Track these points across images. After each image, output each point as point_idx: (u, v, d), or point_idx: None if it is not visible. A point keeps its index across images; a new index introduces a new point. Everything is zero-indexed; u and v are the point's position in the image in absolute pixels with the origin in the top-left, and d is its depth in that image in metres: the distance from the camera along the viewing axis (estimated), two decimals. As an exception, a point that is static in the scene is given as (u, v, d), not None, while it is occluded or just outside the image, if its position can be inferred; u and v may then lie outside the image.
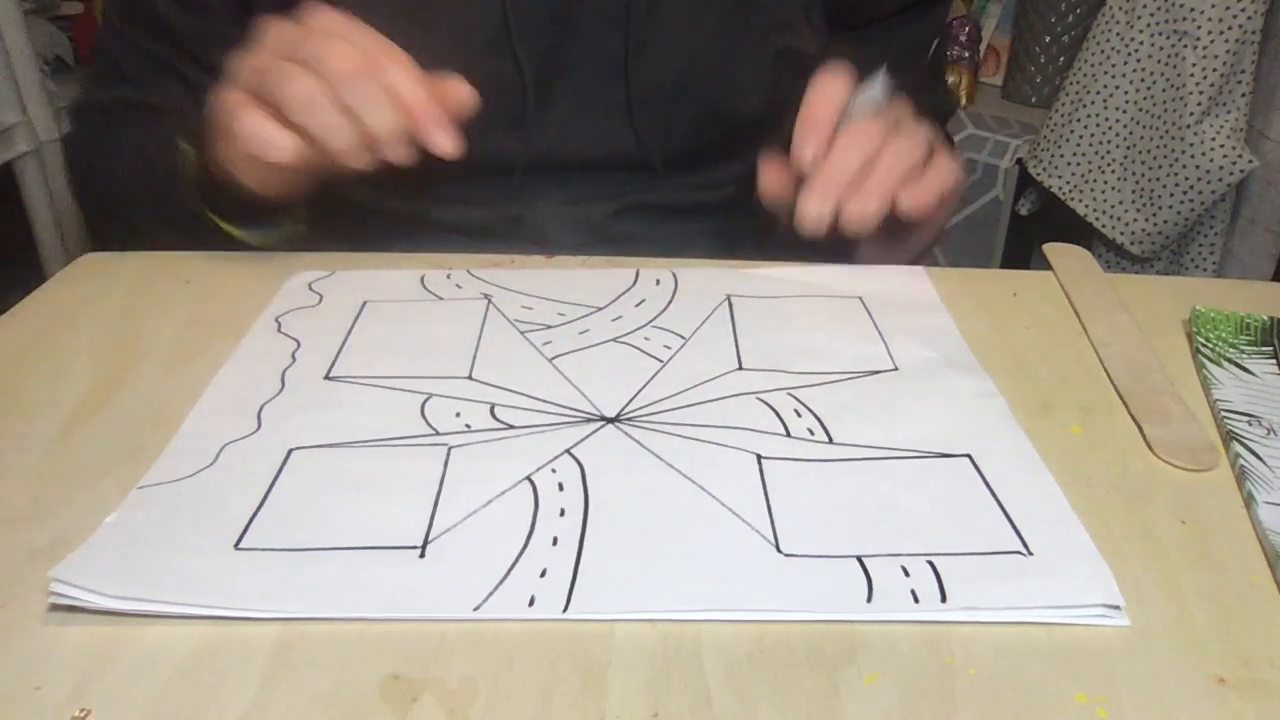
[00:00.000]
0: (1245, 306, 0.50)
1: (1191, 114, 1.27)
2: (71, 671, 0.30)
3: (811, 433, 0.41)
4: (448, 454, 0.39)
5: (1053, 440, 0.41)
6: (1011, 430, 0.41)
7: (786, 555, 0.34)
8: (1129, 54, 1.33)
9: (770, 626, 0.31)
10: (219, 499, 0.36)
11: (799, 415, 0.42)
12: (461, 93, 0.50)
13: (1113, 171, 1.39)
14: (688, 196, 0.69)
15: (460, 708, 0.28)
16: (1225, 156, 1.26)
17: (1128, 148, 1.37)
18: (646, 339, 0.48)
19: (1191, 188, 1.30)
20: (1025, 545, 0.34)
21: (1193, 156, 1.28)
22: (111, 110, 0.68)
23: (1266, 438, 0.41)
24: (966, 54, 1.60)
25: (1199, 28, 1.25)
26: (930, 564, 0.33)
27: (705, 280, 0.54)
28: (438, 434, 0.41)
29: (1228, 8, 1.22)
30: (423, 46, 0.66)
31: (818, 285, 0.53)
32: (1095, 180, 1.40)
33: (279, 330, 0.49)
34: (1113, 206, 1.38)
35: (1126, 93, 1.35)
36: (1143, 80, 1.32)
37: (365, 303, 0.52)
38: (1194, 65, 1.26)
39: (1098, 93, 1.36)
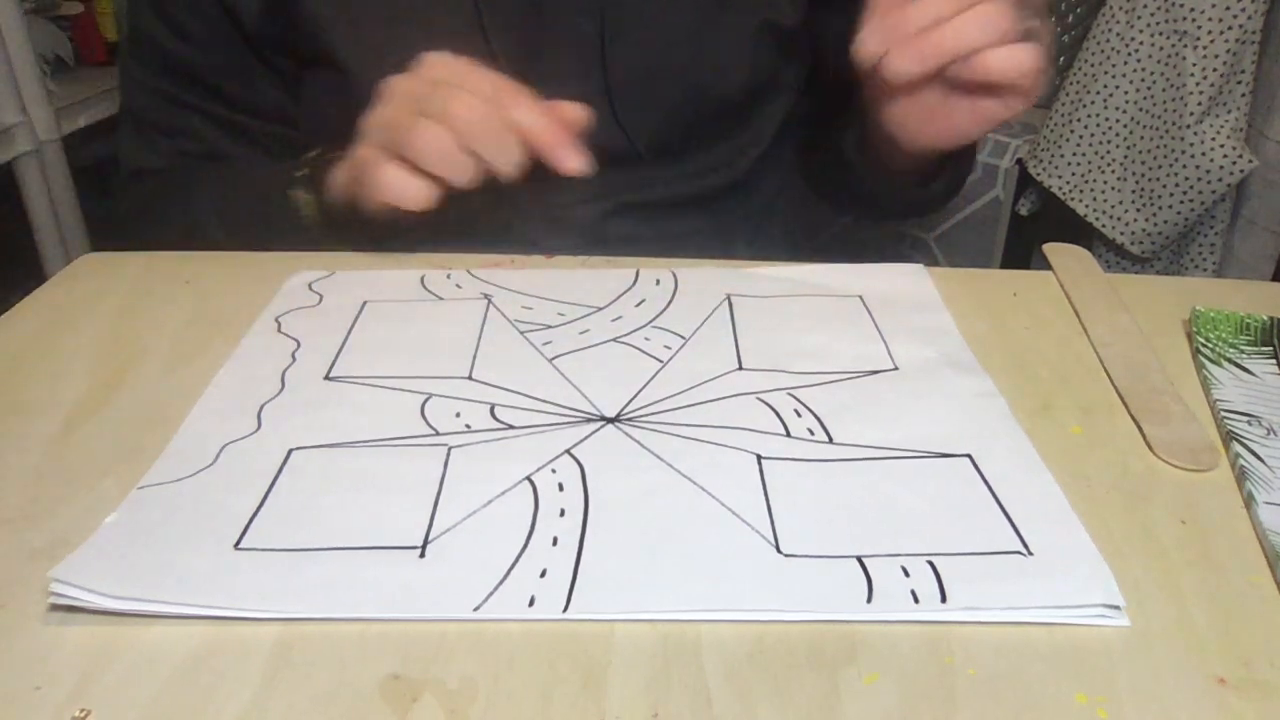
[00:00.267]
0: (1245, 306, 0.50)
1: (1191, 114, 1.27)
2: (71, 671, 0.30)
3: (811, 433, 0.41)
4: (448, 454, 0.39)
5: (1053, 440, 0.41)
6: (1011, 430, 0.41)
7: (786, 555, 0.34)
8: (1129, 54, 1.33)
9: (770, 626, 0.31)
10: (219, 499, 0.36)
11: (799, 415, 0.42)
12: (577, 113, 0.52)
13: (1113, 171, 1.38)
14: (676, 189, 0.69)
15: (460, 708, 0.28)
16: (1225, 156, 1.26)
17: (1128, 148, 1.37)
18: (646, 339, 0.48)
19: (1191, 188, 1.30)
20: (1025, 545, 0.34)
21: (1193, 156, 1.28)
22: (164, 174, 0.69)
23: (1266, 438, 0.41)
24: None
25: (1199, 28, 1.25)
26: (930, 564, 0.33)
27: (705, 280, 0.54)
28: (438, 434, 0.41)
29: (1228, 8, 1.22)
30: (396, 41, 0.66)
31: (818, 285, 0.53)
32: (1095, 180, 1.40)
33: (279, 330, 0.49)
34: (1113, 206, 1.38)
35: (1126, 93, 1.35)
36: (1143, 80, 1.32)
37: (365, 303, 0.52)
38: (1194, 65, 1.26)
39: (1098, 93, 1.36)
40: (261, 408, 0.42)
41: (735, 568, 0.33)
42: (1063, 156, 1.41)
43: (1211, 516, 0.37)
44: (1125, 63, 1.33)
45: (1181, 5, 1.25)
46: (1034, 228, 1.54)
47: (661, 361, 0.46)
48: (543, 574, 0.33)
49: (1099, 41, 1.35)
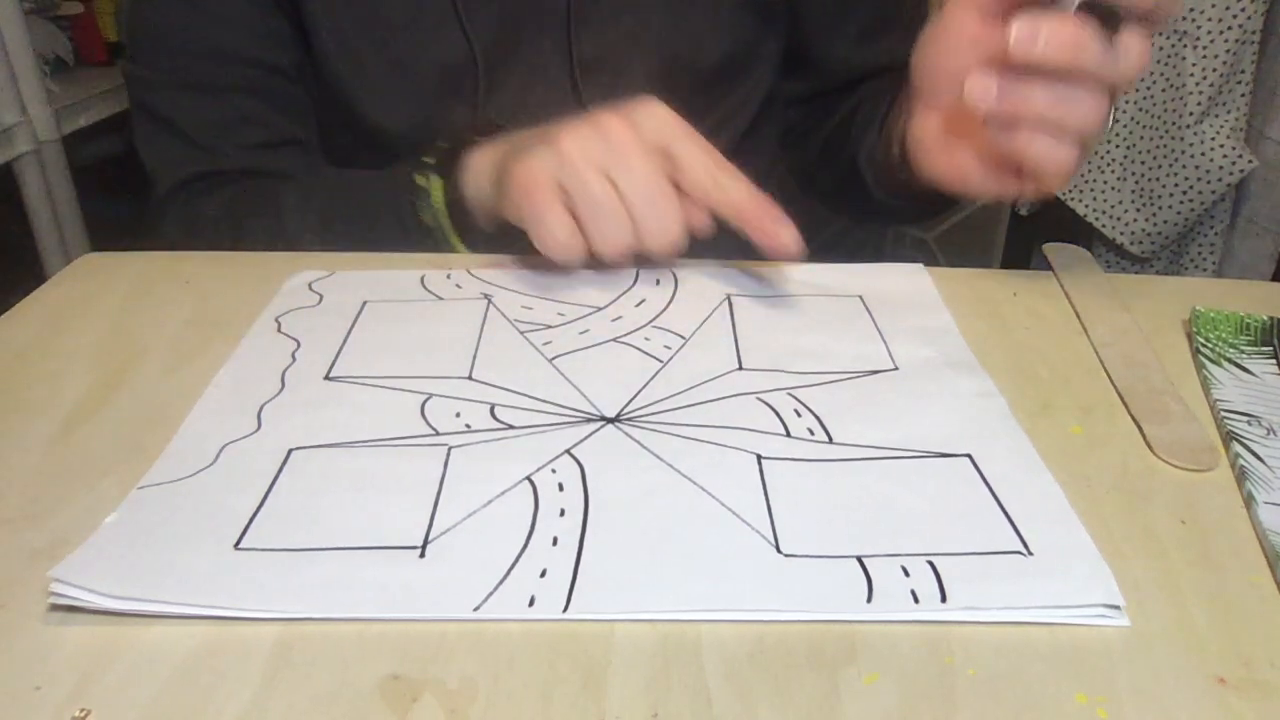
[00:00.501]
0: (1245, 306, 0.50)
1: (1191, 114, 1.27)
2: (71, 671, 0.30)
3: (811, 433, 0.41)
4: (448, 454, 0.39)
5: (1053, 440, 0.41)
6: (1011, 430, 0.41)
7: (786, 555, 0.34)
8: (1129, 54, 1.33)
9: (770, 626, 0.31)
10: (219, 499, 0.36)
11: (799, 415, 0.42)
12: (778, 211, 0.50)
13: (1113, 171, 1.39)
14: None
15: (460, 708, 0.28)
16: (1225, 156, 1.26)
17: (1128, 148, 1.37)
18: (647, 339, 0.48)
19: (1191, 188, 1.30)
20: (1025, 545, 0.34)
21: (1192, 156, 1.28)
22: (235, 183, 0.68)
23: (1266, 438, 0.41)
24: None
25: (1199, 27, 1.25)
26: (930, 564, 0.33)
27: (705, 280, 0.54)
28: (438, 434, 0.41)
29: (1228, 8, 1.23)
30: (375, 27, 0.66)
31: (818, 285, 0.53)
32: (1095, 180, 1.40)
33: (279, 330, 0.49)
34: (1113, 206, 1.38)
35: (1126, 92, 1.35)
36: (1143, 80, 1.32)
37: (365, 303, 0.52)
38: (1194, 65, 1.26)
39: (1098, 93, 1.36)
40: (261, 408, 0.42)
41: (735, 567, 0.33)
42: (1063, 156, 1.41)
43: (1211, 516, 0.37)
44: (1125, 63, 1.33)
45: (1181, 5, 1.25)
46: (1034, 228, 1.54)
47: (661, 361, 0.46)
48: (543, 574, 0.33)
49: (1099, 41, 1.35)
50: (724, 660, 0.30)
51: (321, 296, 0.52)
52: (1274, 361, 0.47)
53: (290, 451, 0.39)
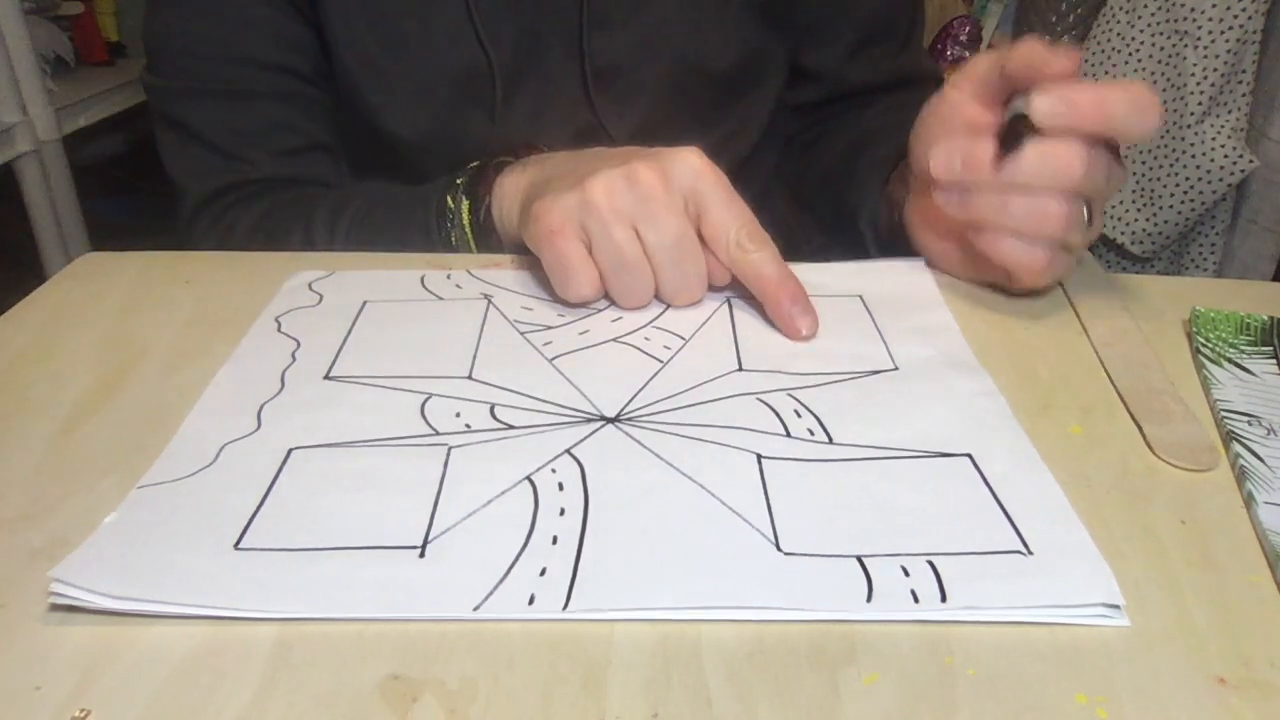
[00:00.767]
0: (1245, 306, 0.50)
1: (1192, 114, 1.27)
2: (71, 671, 0.30)
3: (811, 433, 0.41)
4: (448, 454, 0.39)
5: (1053, 440, 0.41)
6: (1011, 430, 0.41)
7: (786, 554, 0.34)
8: (1129, 54, 1.33)
9: (770, 626, 0.31)
10: (219, 499, 0.36)
11: (799, 416, 0.42)
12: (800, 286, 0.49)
13: (1113, 171, 1.38)
14: None
15: (460, 708, 0.28)
16: (1226, 156, 1.26)
17: (1128, 148, 1.37)
18: (647, 339, 0.48)
19: (1192, 188, 1.30)
20: (1025, 545, 0.34)
21: (1193, 156, 1.28)
22: (243, 188, 0.68)
23: (1266, 438, 0.41)
24: (967, 53, 1.60)
25: (1199, 28, 1.25)
26: (930, 564, 0.33)
27: (705, 280, 0.54)
28: (438, 434, 0.41)
29: (1228, 8, 1.22)
30: (392, 36, 0.67)
31: (818, 285, 0.53)
32: (1095, 180, 1.40)
33: (279, 330, 0.49)
34: (1113, 206, 1.38)
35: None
36: (1143, 80, 1.32)
37: (365, 303, 0.52)
38: (1194, 65, 1.26)
39: (1098, 93, 1.36)
40: (261, 407, 0.42)
41: (735, 566, 0.33)
42: (1063, 156, 1.41)
43: (1211, 516, 0.37)
44: (1126, 63, 1.33)
45: (1181, 5, 1.25)
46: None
47: (661, 362, 0.46)
48: (542, 572, 0.33)
49: (1099, 41, 1.35)
50: (724, 660, 0.30)
51: (321, 296, 0.52)
52: (1274, 361, 0.47)
53: (290, 451, 0.39)
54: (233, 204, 0.68)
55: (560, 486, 0.37)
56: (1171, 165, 1.30)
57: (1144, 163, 1.35)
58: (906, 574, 0.33)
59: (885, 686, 0.29)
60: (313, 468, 0.38)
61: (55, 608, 0.32)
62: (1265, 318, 0.49)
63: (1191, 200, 1.30)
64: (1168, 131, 1.30)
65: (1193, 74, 1.26)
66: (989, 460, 0.39)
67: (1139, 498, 0.38)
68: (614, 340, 0.48)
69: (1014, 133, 0.46)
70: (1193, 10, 1.25)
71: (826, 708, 0.28)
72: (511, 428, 0.41)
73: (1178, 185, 1.30)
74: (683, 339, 0.48)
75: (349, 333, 0.49)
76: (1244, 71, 1.25)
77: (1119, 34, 1.33)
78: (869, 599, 0.32)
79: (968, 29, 1.60)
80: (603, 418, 0.42)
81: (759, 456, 0.39)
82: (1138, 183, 1.36)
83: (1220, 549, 0.35)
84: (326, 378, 0.45)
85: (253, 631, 0.31)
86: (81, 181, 1.65)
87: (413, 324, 0.50)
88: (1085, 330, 0.50)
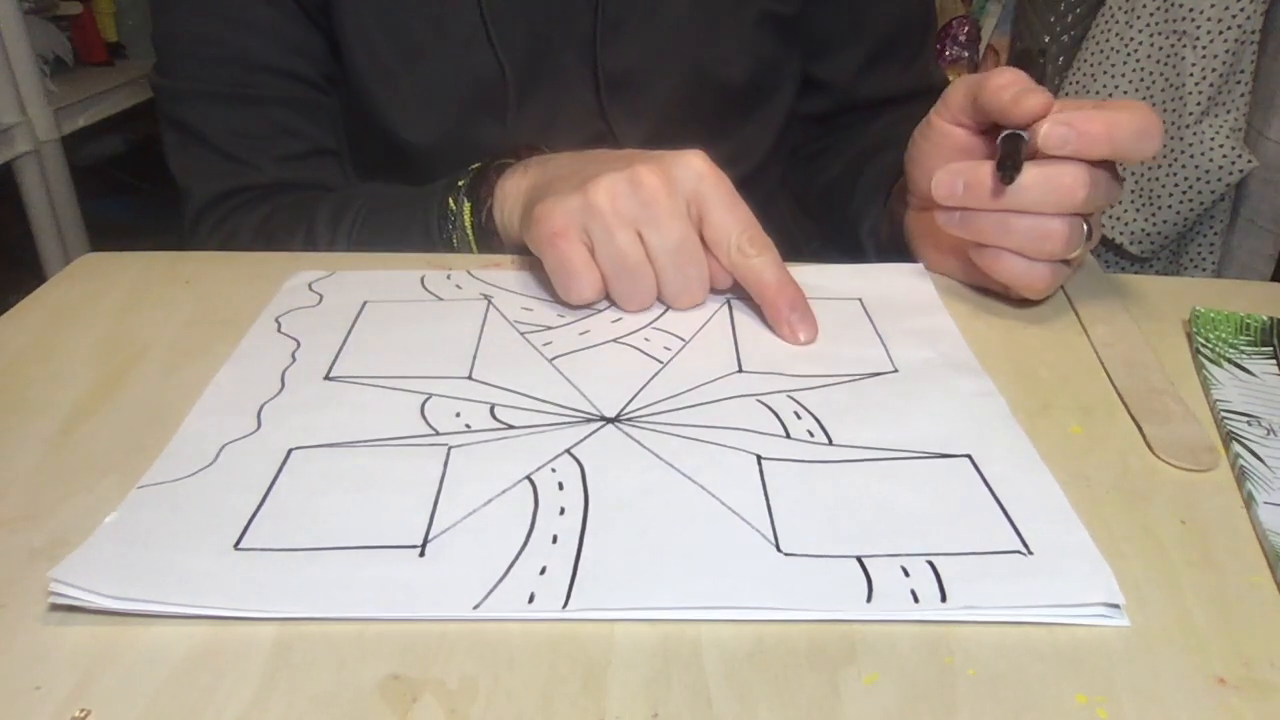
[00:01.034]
0: (1245, 306, 0.50)
1: (1191, 114, 1.27)
2: (71, 671, 0.30)
3: (811, 434, 0.41)
4: (447, 454, 0.39)
5: (1053, 440, 0.41)
6: (1011, 430, 0.41)
7: (787, 554, 0.34)
8: (1129, 54, 1.33)
9: (770, 626, 0.31)
10: (219, 499, 0.36)
11: (799, 417, 0.42)
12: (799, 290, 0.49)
13: (1112, 171, 1.38)
14: None
15: (460, 708, 0.28)
16: (1225, 156, 1.26)
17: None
18: (646, 340, 0.48)
19: (1191, 187, 1.30)
20: (1025, 545, 0.34)
21: (1192, 156, 1.28)
22: (271, 202, 0.68)
23: (1266, 438, 0.41)
24: (966, 53, 1.60)
25: (1198, 27, 1.25)
26: (930, 564, 0.33)
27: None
28: (437, 434, 0.41)
29: (1227, 8, 1.23)
30: (406, 43, 0.67)
31: (817, 287, 0.53)
32: (1095, 180, 1.40)
33: (279, 330, 0.49)
34: (1113, 206, 1.38)
35: (1126, 92, 1.35)
36: (1142, 80, 1.32)
37: (365, 303, 0.52)
38: (1193, 65, 1.26)
39: (1097, 93, 1.36)
40: (261, 407, 0.42)
41: (735, 566, 0.33)
42: (1062, 156, 1.41)
43: (1211, 516, 0.37)
44: (1125, 63, 1.33)
45: (1181, 5, 1.25)
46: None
47: (661, 362, 0.46)
48: (542, 571, 0.33)
49: (1099, 41, 1.35)
50: (724, 660, 0.30)
51: (321, 296, 0.52)
52: (1274, 361, 0.47)
53: (290, 451, 0.39)
54: (236, 208, 0.68)
55: (560, 486, 0.37)
56: (1170, 165, 1.30)
57: (1143, 162, 1.35)
58: (906, 574, 0.33)
59: (885, 686, 0.29)
60: (313, 468, 0.38)
61: (55, 608, 0.32)
62: (1265, 318, 0.50)
63: (1190, 200, 1.30)
64: (1166, 131, 1.30)
65: (1191, 74, 1.26)
66: (989, 460, 0.39)
67: (1139, 498, 0.38)
68: (614, 341, 0.48)
69: (1010, 150, 0.46)
70: (1191, 10, 1.25)
71: (826, 708, 0.28)
72: (511, 428, 0.41)
73: (1176, 185, 1.30)
74: (683, 340, 0.48)
75: (349, 333, 0.49)
76: (1242, 71, 1.26)
77: (1118, 34, 1.33)
78: (869, 599, 0.32)
79: (966, 29, 1.60)
80: (603, 418, 0.42)
81: (759, 457, 0.39)
82: (1137, 183, 1.36)
83: (1220, 549, 0.35)
84: (326, 378, 0.45)
85: (253, 631, 0.31)
86: (81, 181, 1.65)
87: (413, 324, 0.50)
88: (1085, 330, 0.50)
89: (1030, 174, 0.46)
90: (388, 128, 0.68)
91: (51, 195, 1.58)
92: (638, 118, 0.70)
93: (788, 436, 0.40)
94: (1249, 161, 1.27)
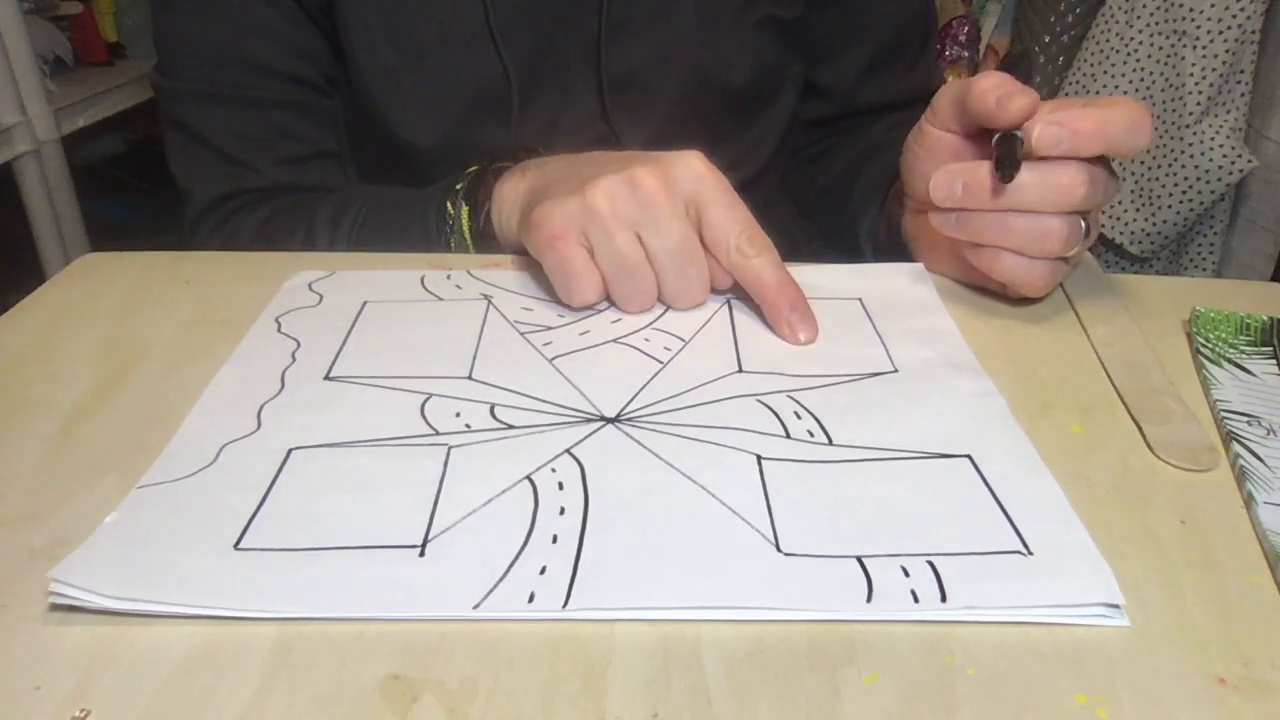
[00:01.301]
0: (1245, 306, 0.50)
1: (1191, 114, 1.27)
2: (71, 671, 0.30)
3: (811, 434, 0.41)
4: (447, 454, 0.39)
5: (1053, 440, 0.41)
6: (1011, 430, 0.41)
7: (787, 554, 0.34)
8: (1129, 54, 1.33)
9: (770, 626, 0.31)
10: (219, 499, 0.36)
11: (799, 417, 0.42)
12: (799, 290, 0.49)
13: (1112, 171, 1.39)
14: None
15: (460, 708, 0.28)
16: (1225, 156, 1.26)
17: (1126, 148, 1.37)
18: (647, 340, 0.48)
19: (1191, 187, 1.30)
20: (1025, 545, 0.34)
21: (1192, 156, 1.28)
22: (251, 193, 0.68)
23: (1266, 438, 0.41)
24: (966, 53, 1.60)
25: (1198, 27, 1.25)
26: (930, 564, 0.33)
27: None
28: (437, 434, 0.41)
29: (1227, 7, 1.23)
30: (410, 46, 0.67)
31: (817, 287, 0.53)
32: (1095, 180, 1.40)
33: (279, 330, 0.49)
34: (1111, 206, 1.38)
35: (1126, 92, 1.35)
36: (1142, 80, 1.32)
37: (365, 303, 0.52)
38: (1193, 65, 1.26)
39: (1097, 92, 1.36)
40: (261, 407, 0.42)
41: (735, 566, 0.33)
42: (1062, 156, 1.41)
43: (1211, 516, 0.37)
44: (1125, 62, 1.33)
45: (1181, 5, 1.25)
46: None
47: (661, 362, 0.46)
48: (542, 571, 0.33)
49: (1098, 41, 1.35)
50: (724, 660, 0.30)
51: (321, 296, 0.52)
52: (1274, 361, 0.47)
53: (290, 451, 0.39)
54: (236, 210, 0.68)
55: (560, 486, 0.37)
56: (1170, 165, 1.30)
57: (1143, 163, 1.35)
58: (906, 574, 0.33)
59: (885, 686, 0.29)
60: (313, 468, 0.38)
61: (55, 608, 0.32)
62: (1265, 318, 0.50)
63: (1190, 200, 1.30)
64: (1166, 131, 1.30)
65: (1191, 74, 1.26)
66: (989, 461, 0.39)
67: (1139, 498, 0.38)
68: (614, 341, 0.48)
69: (1007, 151, 0.46)
70: (1191, 10, 1.25)
71: (826, 708, 0.28)
72: (511, 428, 0.41)
73: (1176, 185, 1.30)
74: (683, 340, 0.48)
75: (349, 333, 0.49)
76: (1242, 71, 1.26)
77: (1117, 34, 1.33)
78: (869, 599, 0.32)
79: (966, 29, 1.60)
80: (603, 418, 0.42)
81: (759, 457, 0.39)
82: (1137, 183, 1.36)
83: (1220, 549, 0.35)
84: (326, 378, 0.45)
85: (253, 631, 0.31)
86: (80, 181, 1.65)
87: (413, 324, 0.50)
88: (1085, 330, 0.50)
89: (1028, 173, 0.46)
90: (389, 129, 0.68)
91: (51, 195, 1.58)
92: (641, 121, 0.70)
93: (788, 436, 0.40)
94: (1249, 161, 1.27)
